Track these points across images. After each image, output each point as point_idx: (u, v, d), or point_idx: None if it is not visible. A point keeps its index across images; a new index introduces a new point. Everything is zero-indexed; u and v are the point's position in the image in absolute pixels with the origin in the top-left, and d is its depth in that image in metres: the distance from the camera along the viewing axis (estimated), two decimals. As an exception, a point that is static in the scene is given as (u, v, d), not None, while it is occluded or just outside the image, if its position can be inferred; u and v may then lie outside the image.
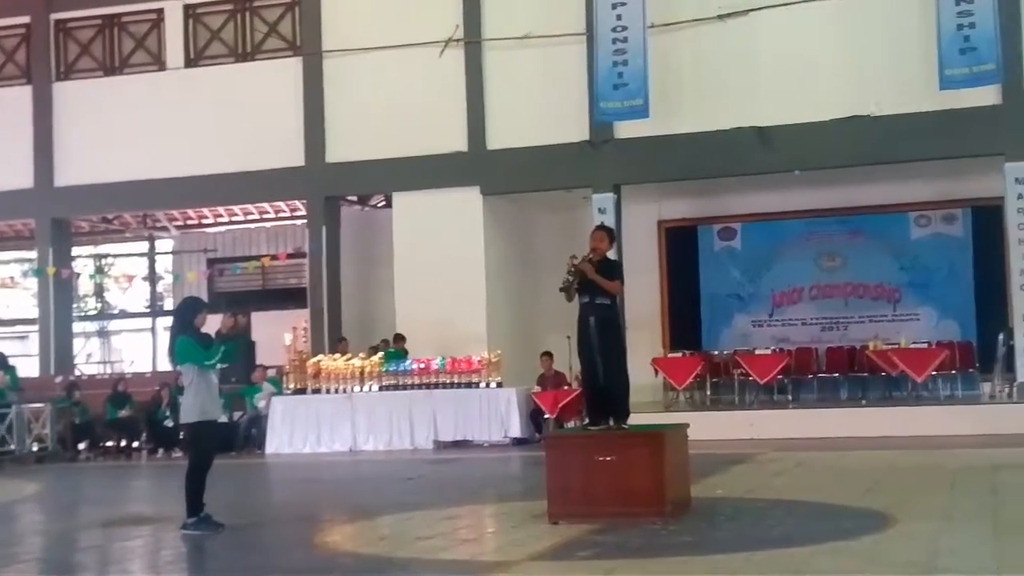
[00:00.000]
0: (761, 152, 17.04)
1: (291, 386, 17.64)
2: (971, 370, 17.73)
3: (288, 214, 23.16)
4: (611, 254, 9.91)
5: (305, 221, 20.55)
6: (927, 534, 7.85)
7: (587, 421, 9.70)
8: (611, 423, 9.28)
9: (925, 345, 16.98)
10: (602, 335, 9.29)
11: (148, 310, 25.94)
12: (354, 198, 21.12)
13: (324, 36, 19.42)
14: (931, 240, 19.16)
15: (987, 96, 16.17)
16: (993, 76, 15.84)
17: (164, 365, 19.91)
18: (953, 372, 17.35)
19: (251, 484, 14.17)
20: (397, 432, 16.84)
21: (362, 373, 17.21)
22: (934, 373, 16.75)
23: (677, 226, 20.35)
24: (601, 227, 10.21)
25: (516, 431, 16.57)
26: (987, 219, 18.23)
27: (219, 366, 9.65)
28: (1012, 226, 16.34)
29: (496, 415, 16.62)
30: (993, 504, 9.14)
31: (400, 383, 17.11)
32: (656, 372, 17.85)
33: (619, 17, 17.25)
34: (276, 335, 18.66)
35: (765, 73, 17.23)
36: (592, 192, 17.92)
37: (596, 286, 9.26)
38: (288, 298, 22.06)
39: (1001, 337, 16.81)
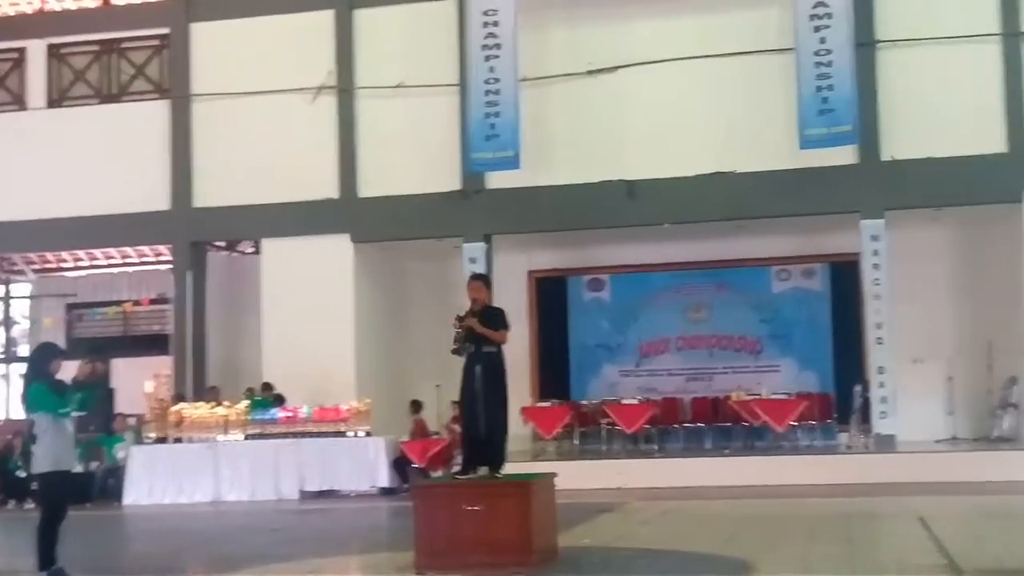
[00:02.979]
0: (629, 205, 17.34)
1: (152, 435, 17.17)
2: (829, 420, 18.23)
3: (152, 259, 22.63)
4: (494, 301, 9.80)
5: (170, 266, 20.12)
6: (787, 581, 8.00)
7: (457, 470, 9.64)
8: (484, 471, 9.26)
9: (785, 396, 17.41)
10: (487, 383, 9.29)
11: (2, 356, 24.98)
12: (222, 244, 20.77)
13: (193, 79, 19.16)
14: (791, 294, 19.71)
15: (844, 156, 16.77)
16: (850, 137, 16.45)
17: (18, 413, 19.16)
18: (812, 422, 17.81)
19: (107, 536, 13.69)
20: (262, 482, 16.52)
21: (226, 422, 16.86)
22: (794, 423, 17.18)
23: (547, 276, 20.53)
24: (476, 276, 10.23)
25: (384, 481, 16.42)
26: (844, 274, 18.82)
27: (74, 414, 9.35)
28: (868, 281, 16.90)
29: (364, 464, 16.44)
30: (849, 552, 9.37)
31: (266, 432, 16.81)
32: (525, 421, 17.91)
33: (491, 69, 17.46)
34: (137, 382, 18.16)
35: (634, 128, 17.59)
36: (463, 241, 17.98)
37: (485, 337, 9.24)
38: (151, 345, 21.48)
39: (857, 389, 17.35)
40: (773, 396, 17.33)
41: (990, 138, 16.53)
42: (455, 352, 9.35)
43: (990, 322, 17.92)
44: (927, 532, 10.13)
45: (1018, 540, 9.83)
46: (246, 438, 16.84)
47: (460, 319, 9.33)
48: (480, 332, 9.23)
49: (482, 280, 9.86)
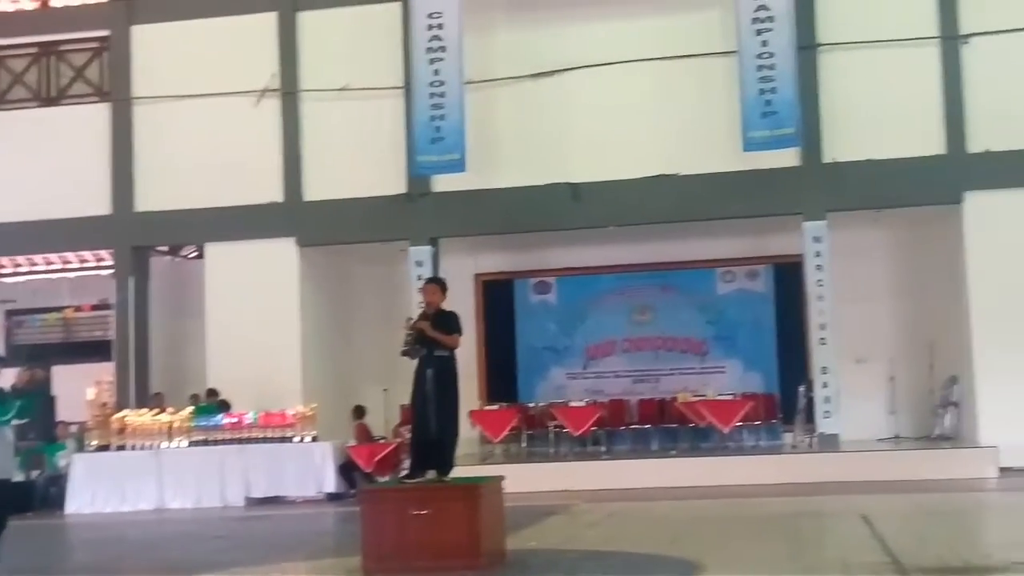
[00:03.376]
0: (575, 208, 17.38)
1: (94, 442, 16.94)
2: (774, 421, 18.39)
3: (94, 264, 22.31)
4: (446, 304, 9.80)
5: (112, 271, 19.86)
6: (733, 581, 8.06)
7: (404, 473, 9.60)
8: (432, 475, 9.23)
9: (731, 397, 17.54)
10: (439, 387, 9.25)
11: (-61, 364, 24.52)
12: (164, 248, 20.53)
13: (134, 82, 18.93)
14: (736, 295, 19.87)
15: (787, 158, 16.93)
16: (792, 139, 16.62)
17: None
18: (757, 423, 17.96)
19: (50, 545, 13.47)
20: (206, 489, 16.37)
21: (170, 428, 16.69)
22: (739, 424, 17.31)
23: (494, 279, 20.53)
24: (432, 280, 10.22)
25: (331, 486, 16.31)
26: (788, 275, 18.98)
27: (15, 422, 9.21)
28: (811, 282, 17.07)
29: (310, 470, 16.33)
30: (794, 551, 9.46)
31: (211, 438, 16.65)
32: (473, 424, 17.89)
33: (436, 72, 17.43)
34: (79, 389, 17.90)
35: (579, 131, 17.64)
36: (409, 245, 17.92)
37: (437, 341, 9.22)
38: (92, 351, 21.17)
39: (801, 389, 17.52)
40: (718, 397, 17.45)
41: (929, 140, 16.76)
42: (405, 354, 9.33)
43: (931, 322, 18.18)
44: (870, 530, 10.24)
45: (960, 538, 9.98)
46: (190, 445, 16.66)
47: (412, 321, 9.30)
48: (431, 336, 9.21)
49: (437, 284, 9.84)
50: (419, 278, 15.85)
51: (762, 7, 16.56)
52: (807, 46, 16.90)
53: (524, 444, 18.48)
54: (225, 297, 18.24)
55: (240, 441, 16.54)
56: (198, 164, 18.34)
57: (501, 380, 19.98)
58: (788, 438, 18.13)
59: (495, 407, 18.40)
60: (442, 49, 17.43)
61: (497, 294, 20.49)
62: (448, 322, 9.40)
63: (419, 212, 17.91)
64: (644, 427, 18.87)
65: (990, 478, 15.07)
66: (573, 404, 18.15)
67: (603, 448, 18.13)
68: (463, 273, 19.76)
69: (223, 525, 14.00)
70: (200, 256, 19.59)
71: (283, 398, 17.06)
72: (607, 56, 17.49)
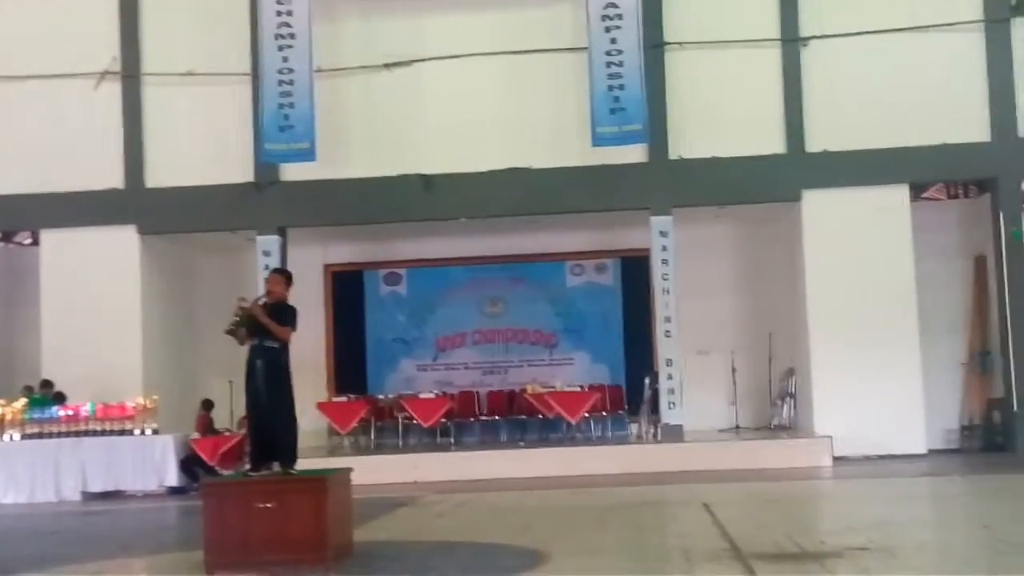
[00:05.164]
0: (426, 199, 17.35)
1: (-81, 437, 16.18)
2: (620, 412, 18.72)
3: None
4: (294, 298, 9.66)
5: (-60, 258, 18.98)
6: (577, 569, 8.17)
7: (248, 467, 9.45)
8: (277, 468, 9.11)
9: (578, 388, 17.78)
10: (270, 379, 9.13)
11: None
12: (-2, 234, 19.71)
13: (-34, 61, 18.12)
14: (585, 288, 20.13)
15: (635, 154, 17.21)
16: (640, 136, 16.89)
17: None
18: (604, 414, 18.23)
19: None
20: (41, 483, 15.78)
21: (2, 421, 16.04)
22: (586, 415, 17.55)
23: (343, 270, 20.34)
24: (278, 270, 10.08)
25: (172, 480, 15.93)
26: (635, 269, 19.33)
27: None
28: (657, 276, 17.38)
29: (151, 463, 15.91)
30: (637, 539, 9.64)
31: (45, 431, 16.05)
32: (321, 416, 17.72)
33: (285, 59, 17.14)
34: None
35: (430, 122, 17.59)
36: (257, 234, 17.60)
37: (266, 329, 9.08)
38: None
39: (647, 380, 17.87)
40: (566, 389, 17.67)
41: (770, 139, 17.25)
42: (229, 333, 9.18)
43: (771, 316, 18.76)
44: (711, 518, 10.50)
45: (795, 524, 10.31)
46: (23, 438, 16.05)
47: (243, 301, 9.15)
48: (262, 321, 9.07)
49: (282, 275, 9.70)
50: (267, 268, 15.60)
51: (611, 4, 16.79)
52: (655, 44, 17.20)
53: (373, 436, 18.38)
54: (62, 286, 17.60)
55: (77, 434, 16.00)
56: (34, 148, 17.69)
57: (350, 372, 19.83)
58: (634, 429, 18.49)
59: (343, 399, 18.26)
60: (291, 36, 17.15)
61: (347, 285, 20.31)
62: (283, 314, 9.29)
63: (267, 201, 17.61)
64: (493, 419, 18.99)
65: (825, 467, 15.61)
66: (422, 396, 18.14)
67: (452, 440, 18.16)
68: (312, 264, 19.57)
69: (58, 520, 13.52)
70: (36, 243, 18.85)
71: (123, 390, 16.56)
72: (459, 48, 17.48)
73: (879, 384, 16.34)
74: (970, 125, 16.88)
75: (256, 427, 9.25)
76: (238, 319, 9.12)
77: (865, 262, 16.75)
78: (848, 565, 7.69)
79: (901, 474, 14.67)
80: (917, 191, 17.44)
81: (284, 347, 9.27)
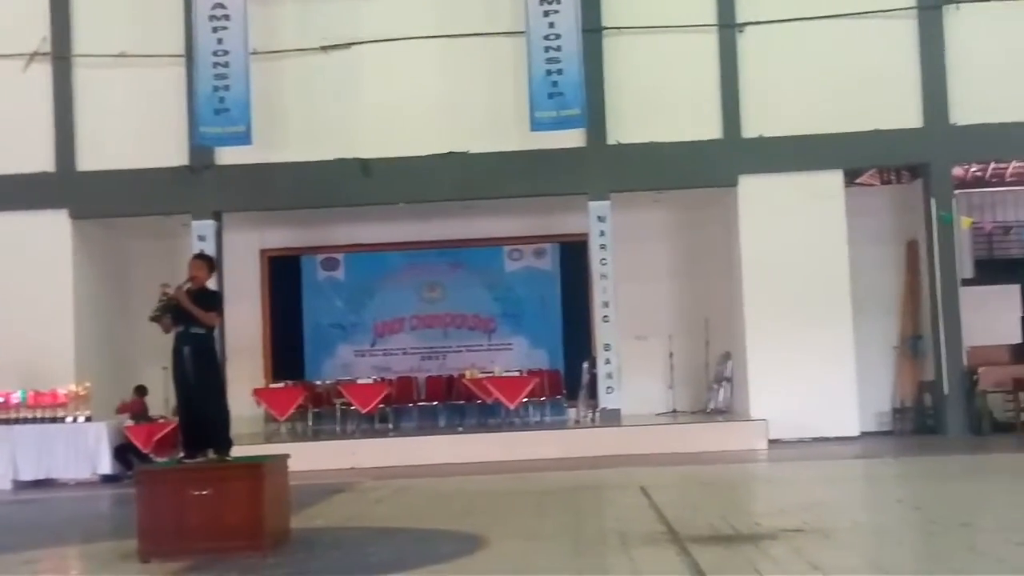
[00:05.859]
0: (364, 184, 17.23)
1: None
2: (559, 397, 18.77)
3: None
4: (212, 284, 9.68)
5: None
6: (516, 553, 8.18)
7: (183, 454, 9.35)
8: (211, 455, 9.04)
9: (517, 373, 17.81)
10: (198, 365, 9.07)
11: None
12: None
13: None
14: (523, 273, 20.14)
15: (573, 139, 17.23)
16: (578, 120, 16.90)
17: None
18: (543, 399, 18.28)
19: None
20: (-30, 473, 15.51)
21: (-71, 410, 15.72)
22: (525, 400, 17.58)
23: (280, 255, 20.16)
24: (200, 255, 9.95)
25: (106, 468, 15.72)
26: (573, 254, 19.39)
27: None
28: (595, 261, 17.45)
29: (83, 451, 15.69)
30: (575, 523, 9.68)
31: (-26, 420, 15.78)
32: (258, 403, 17.58)
33: (220, 41, 16.92)
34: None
35: (368, 106, 17.46)
36: (192, 219, 17.38)
37: (191, 316, 9.00)
38: None
39: (585, 365, 17.95)
40: (505, 374, 17.69)
41: (707, 125, 17.36)
42: (153, 320, 9.10)
43: (707, 300, 18.91)
44: (648, 501, 10.58)
45: (731, 507, 10.41)
46: (-48, 427, 15.75)
47: (167, 287, 9.07)
48: (186, 307, 8.98)
49: (204, 260, 9.60)
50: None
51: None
52: (593, 29, 17.22)
53: (310, 422, 18.26)
54: (-9, 271, 17.26)
55: (7, 422, 15.75)
56: (-39, 130, 17.30)
57: (287, 357, 19.68)
58: (572, 413, 18.55)
59: (280, 385, 18.14)
60: (226, 18, 16.93)
61: (283, 270, 20.14)
62: (208, 300, 9.24)
63: (202, 185, 17.39)
64: (432, 404, 18.98)
65: (760, 450, 15.80)
66: (360, 382, 18.05)
67: (390, 425, 18.11)
68: (248, 248, 19.40)
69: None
70: (-37, 228, 18.45)
71: (55, 377, 16.30)
72: (398, 31, 17.37)
73: (813, 368, 16.56)
74: (903, 111, 17.12)
75: (187, 414, 9.19)
76: (162, 306, 9.03)
77: (800, 247, 16.93)
78: (783, 546, 7.78)
79: (835, 456, 14.89)
80: (851, 176, 17.67)
81: (210, 332, 9.21)
